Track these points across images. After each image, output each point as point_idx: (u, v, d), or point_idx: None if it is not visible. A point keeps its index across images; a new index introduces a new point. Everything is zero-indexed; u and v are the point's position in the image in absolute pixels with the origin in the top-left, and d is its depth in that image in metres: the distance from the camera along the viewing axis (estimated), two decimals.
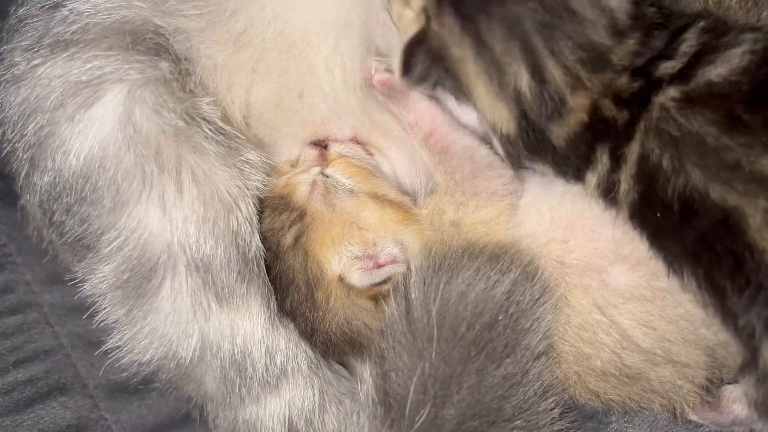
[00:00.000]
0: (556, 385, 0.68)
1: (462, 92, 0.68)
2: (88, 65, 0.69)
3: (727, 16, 0.70)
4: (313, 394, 0.76)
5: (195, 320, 0.71)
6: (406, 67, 0.66)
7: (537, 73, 0.62)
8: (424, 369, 0.64)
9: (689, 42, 0.64)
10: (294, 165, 0.79)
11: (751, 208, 0.57)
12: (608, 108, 0.64)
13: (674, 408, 0.70)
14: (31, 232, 0.89)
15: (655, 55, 0.64)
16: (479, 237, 0.71)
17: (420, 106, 0.74)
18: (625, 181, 0.63)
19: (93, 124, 0.68)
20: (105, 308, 0.73)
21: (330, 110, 0.75)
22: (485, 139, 0.73)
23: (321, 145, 0.78)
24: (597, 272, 0.68)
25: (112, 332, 0.74)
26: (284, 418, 0.75)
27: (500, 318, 0.65)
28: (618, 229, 0.67)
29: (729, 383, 0.70)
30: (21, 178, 0.77)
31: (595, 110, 0.64)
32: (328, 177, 0.75)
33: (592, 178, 0.66)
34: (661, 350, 0.67)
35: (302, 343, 0.75)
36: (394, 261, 0.73)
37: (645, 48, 0.64)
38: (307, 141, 0.79)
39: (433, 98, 0.73)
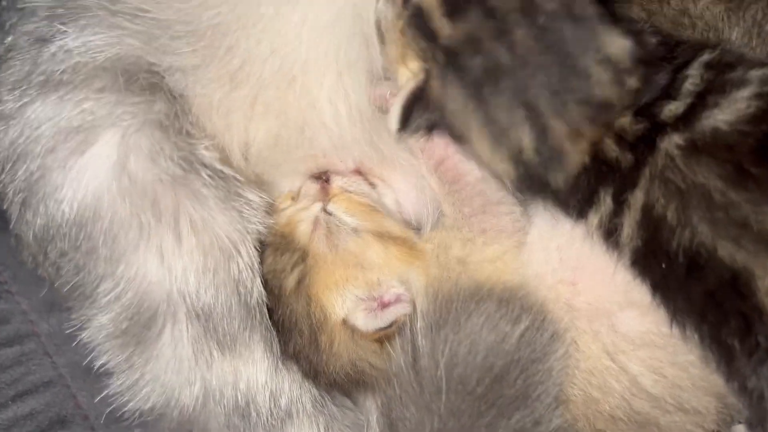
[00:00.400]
0: (568, 430, 0.67)
1: (462, 141, 0.66)
2: (79, 109, 0.66)
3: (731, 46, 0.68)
4: None
5: (197, 367, 0.69)
6: (403, 124, 0.64)
7: (540, 132, 0.61)
8: (432, 423, 0.63)
9: (693, 79, 0.62)
10: (295, 198, 0.77)
11: (761, 269, 0.55)
12: (611, 149, 0.62)
13: None
14: (26, 258, 0.86)
15: (657, 94, 0.62)
16: (486, 276, 0.70)
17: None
18: (629, 226, 0.62)
19: (86, 171, 0.66)
20: (104, 354, 0.71)
21: (333, 144, 0.73)
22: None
23: (322, 178, 0.76)
24: (606, 317, 0.67)
25: (113, 376, 0.72)
26: None
27: (511, 370, 0.64)
28: (627, 273, 0.65)
29: (739, 422, 0.70)
30: (14, 216, 0.74)
31: (596, 152, 0.62)
32: (330, 214, 0.73)
33: (594, 218, 0.64)
34: (671, 397, 0.66)
35: (306, 383, 0.74)
36: (398, 300, 0.71)
37: (647, 86, 0.62)
38: (308, 174, 0.76)
39: None
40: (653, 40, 0.64)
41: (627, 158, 0.61)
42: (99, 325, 0.69)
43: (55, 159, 0.66)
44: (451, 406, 0.64)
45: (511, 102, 0.61)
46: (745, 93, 0.59)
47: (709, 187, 0.57)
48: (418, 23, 0.63)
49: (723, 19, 0.67)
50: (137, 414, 0.71)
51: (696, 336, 0.60)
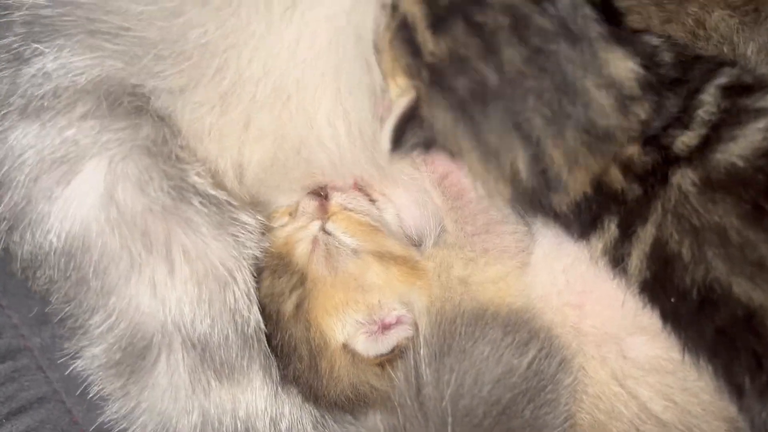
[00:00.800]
0: None
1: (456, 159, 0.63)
2: (62, 137, 0.63)
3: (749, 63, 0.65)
4: None
5: (194, 396, 0.68)
6: (396, 144, 0.60)
7: (536, 159, 0.57)
8: None
9: (708, 107, 0.59)
10: (293, 213, 0.74)
11: None
12: (616, 180, 0.59)
13: None
14: (16, 270, 0.84)
15: (668, 122, 0.59)
16: (489, 297, 0.68)
17: None
18: (637, 258, 0.60)
19: (72, 201, 0.63)
20: (99, 382, 0.69)
21: (332, 162, 0.70)
22: None
23: (321, 194, 0.73)
24: (615, 342, 0.65)
25: (109, 402, 0.71)
26: None
27: (518, 401, 0.62)
28: (635, 299, 0.64)
29: None
30: (1, 235, 0.72)
31: (599, 184, 0.60)
32: (329, 234, 0.71)
33: (597, 243, 0.62)
34: (681, 423, 0.65)
35: (306, 405, 0.73)
36: (400, 322, 0.69)
37: (657, 115, 0.59)
38: (306, 190, 0.74)
39: None
40: (667, 58, 0.60)
41: (634, 190, 0.59)
42: (92, 356, 0.67)
43: (40, 189, 0.63)
44: None
45: (502, 126, 0.57)
46: (761, 124, 0.56)
47: (725, 225, 0.55)
48: (405, 35, 0.59)
49: (738, 33, 0.63)
50: None
51: (710, 368, 0.59)
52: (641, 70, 0.57)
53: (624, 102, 0.57)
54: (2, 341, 0.85)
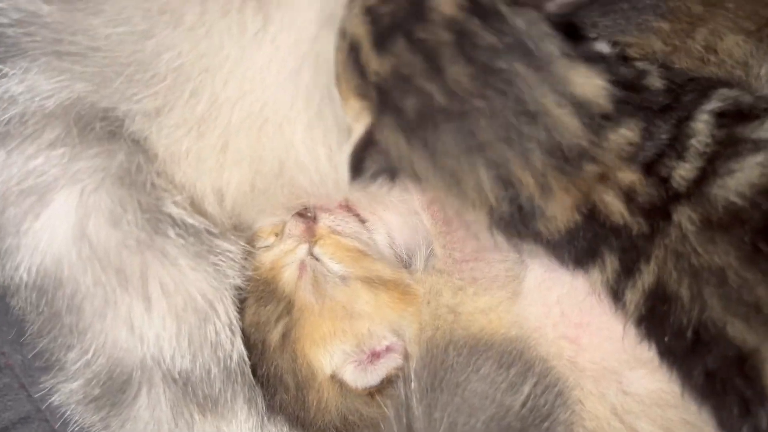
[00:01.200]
0: None
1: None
2: (30, 166, 0.60)
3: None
4: None
5: (177, 429, 0.66)
6: (356, 172, 0.57)
7: (501, 182, 0.54)
8: None
9: (701, 137, 0.55)
10: (279, 234, 0.71)
11: None
12: (616, 211, 0.56)
13: None
14: None
15: (662, 151, 0.56)
16: (480, 327, 0.65)
17: None
18: (635, 294, 0.57)
19: (42, 236, 0.60)
20: (78, 416, 0.67)
21: (314, 185, 0.67)
22: None
23: (308, 215, 0.70)
24: (614, 377, 0.63)
25: None
26: None
27: None
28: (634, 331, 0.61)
29: None
30: None
31: (592, 212, 0.56)
32: (317, 259, 0.68)
33: (597, 275, 0.59)
34: None
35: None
36: (390, 351, 0.67)
37: (648, 140, 0.55)
38: (291, 211, 0.70)
39: None
40: (658, 84, 0.57)
41: (641, 225, 0.56)
42: (69, 391, 0.65)
43: (8, 221, 0.60)
44: None
45: (457, 149, 0.53)
46: (759, 158, 0.53)
47: (723, 266, 0.52)
48: (353, 57, 0.55)
49: (752, 56, 0.59)
50: None
51: (704, 408, 0.56)
52: (612, 88, 0.54)
53: (596, 121, 0.53)
54: None
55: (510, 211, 0.56)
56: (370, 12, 0.54)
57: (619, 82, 0.54)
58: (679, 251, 0.54)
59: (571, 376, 0.64)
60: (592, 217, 0.57)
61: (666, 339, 0.56)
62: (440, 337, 0.66)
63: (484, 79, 0.52)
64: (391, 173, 0.58)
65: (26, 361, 0.83)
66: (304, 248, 0.69)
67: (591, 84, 0.54)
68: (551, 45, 0.53)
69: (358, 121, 0.57)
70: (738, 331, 0.52)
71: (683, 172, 0.55)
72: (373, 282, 0.67)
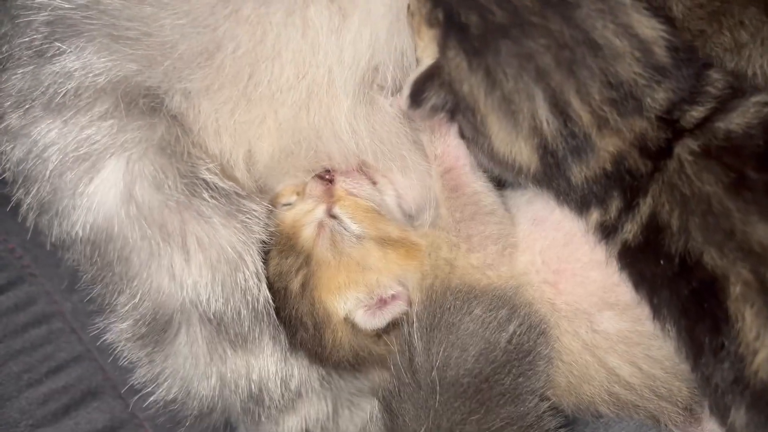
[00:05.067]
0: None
1: (477, 128, 0.65)
2: (83, 135, 0.69)
3: None
4: (327, 405, 0.83)
5: (212, 363, 0.75)
6: (414, 101, 0.62)
7: (558, 111, 0.59)
8: (428, 417, 0.70)
9: (717, 84, 0.61)
10: (300, 193, 0.80)
11: (734, 276, 0.58)
12: (633, 159, 0.62)
13: (659, 421, 0.77)
14: (46, 240, 0.91)
15: (683, 97, 0.61)
16: (474, 280, 0.74)
17: (451, 142, 0.74)
18: (632, 226, 0.63)
19: (95, 197, 0.69)
20: (126, 353, 0.77)
21: (343, 153, 0.75)
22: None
23: (326, 177, 0.78)
24: (585, 317, 0.72)
25: (137, 369, 0.79)
26: (301, 430, 0.83)
27: (499, 371, 0.69)
28: (605, 276, 0.70)
29: None
30: (31, 219, 0.78)
31: (620, 160, 0.62)
32: (335, 218, 0.76)
33: (595, 215, 0.66)
34: (647, 387, 0.72)
35: (314, 365, 0.81)
36: (396, 299, 0.76)
37: (679, 90, 0.61)
38: (310, 173, 0.79)
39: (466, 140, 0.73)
40: (678, 43, 0.62)
41: (646, 165, 0.61)
42: (119, 330, 0.75)
43: (65, 184, 0.70)
44: (444, 403, 0.70)
45: (518, 71, 0.57)
46: (757, 97, 0.59)
47: (710, 194, 0.58)
48: None
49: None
50: (162, 403, 0.78)
51: (674, 330, 0.64)
52: (671, 37, 0.59)
53: (655, 64, 0.58)
54: (37, 307, 0.93)
55: (560, 143, 0.60)
56: None
57: (672, 42, 0.59)
58: (674, 182, 0.59)
59: (551, 317, 0.73)
60: (617, 165, 0.62)
61: (661, 263, 0.62)
62: (439, 284, 0.75)
63: (548, 2, 0.56)
64: (450, 108, 0.63)
65: (76, 308, 0.94)
66: (322, 209, 0.77)
67: (655, 33, 0.58)
68: None
69: (426, 53, 0.62)
70: (711, 257, 0.59)
71: (695, 113, 0.60)
72: (384, 241, 0.76)
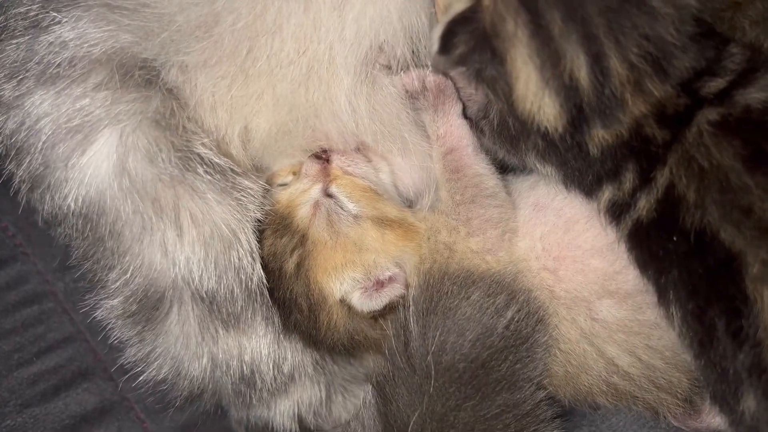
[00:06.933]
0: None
1: (503, 83, 0.62)
2: (77, 106, 0.67)
3: None
4: (320, 390, 0.82)
5: (204, 343, 0.74)
6: (445, 46, 0.60)
7: (597, 62, 0.58)
8: (423, 403, 0.68)
9: (737, 57, 0.61)
10: (296, 173, 0.78)
11: (752, 256, 0.57)
12: (650, 126, 0.61)
13: (657, 412, 0.75)
14: (39, 221, 0.90)
15: (704, 67, 0.61)
16: (473, 265, 0.73)
17: (454, 122, 0.73)
18: (647, 201, 0.62)
19: (87, 170, 0.68)
20: (117, 330, 0.76)
21: (341, 133, 0.74)
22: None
23: (323, 157, 0.77)
24: (584, 305, 0.70)
25: (127, 348, 0.78)
26: (293, 414, 0.81)
27: (495, 358, 0.68)
28: (606, 263, 0.68)
29: None
30: (23, 193, 0.77)
31: (637, 127, 0.62)
32: (332, 197, 0.75)
33: (608, 192, 0.65)
34: (646, 377, 0.71)
35: (307, 349, 0.79)
36: (393, 281, 0.75)
37: (703, 59, 0.61)
38: (307, 153, 0.78)
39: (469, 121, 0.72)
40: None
41: (664, 134, 0.60)
42: (110, 307, 0.73)
43: (57, 156, 0.68)
44: (439, 388, 0.69)
45: (566, 14, 0.56)
46: None
47: (727, 168, 0.57)
48: None
49: None
50: (152, 382, 0.76)
51: (679, 314, 0.62)
52: (700, 5, 0.59)
53: (688, 32, 0.58)
54: (29, 286, 0.92)
55: (590, 97, 0.59)
56: None
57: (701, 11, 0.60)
58: (691, 154, 0.59)
59: (550, 304, 0.71)
60: (634, 132, 0.61)
61: (675, 239, 0.60)
62: (437, 269, 0.74)
63: None
64: (477, 69, 0.61)
65: (68, 288, 0.93)
66: (318, 188, 0.76)
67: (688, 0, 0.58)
68: None
69: (457, 1, 0.61)
70: (729, 235, 0.57)
71: (715, 83, 0.60)
72: (381, 221, 0.74)
